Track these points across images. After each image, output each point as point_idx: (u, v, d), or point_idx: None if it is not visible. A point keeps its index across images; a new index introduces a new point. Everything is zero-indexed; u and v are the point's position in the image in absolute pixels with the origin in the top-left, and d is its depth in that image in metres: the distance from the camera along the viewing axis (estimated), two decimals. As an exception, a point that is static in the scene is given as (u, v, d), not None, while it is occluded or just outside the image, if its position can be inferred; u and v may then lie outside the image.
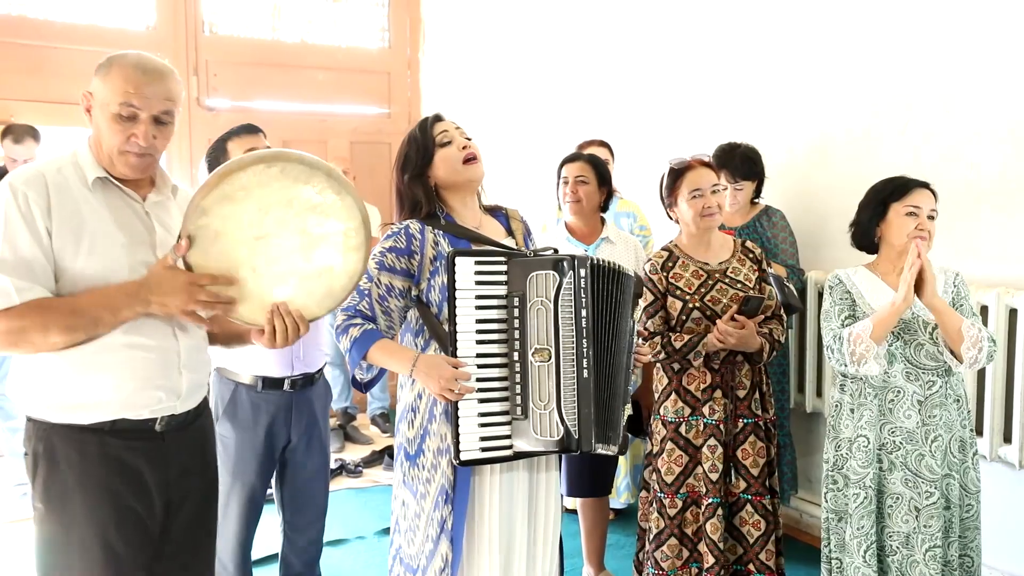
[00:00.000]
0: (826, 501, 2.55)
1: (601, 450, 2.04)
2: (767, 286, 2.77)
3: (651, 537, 2.77)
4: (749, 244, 2.82)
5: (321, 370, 2.67)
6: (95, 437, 1.77)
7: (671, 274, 2.75)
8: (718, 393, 2.71)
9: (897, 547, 2.43)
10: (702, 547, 2.70)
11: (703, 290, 2.71)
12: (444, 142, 2.11)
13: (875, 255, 2.57)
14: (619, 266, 2.09)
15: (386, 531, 3.77)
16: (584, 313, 1.98)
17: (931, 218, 2.44)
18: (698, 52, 4.18)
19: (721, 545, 2.68)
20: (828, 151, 3.56)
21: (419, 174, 2.12)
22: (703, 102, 4.16)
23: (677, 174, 2.76)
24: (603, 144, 3.81)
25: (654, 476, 2.77)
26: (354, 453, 4.81)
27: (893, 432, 2.43)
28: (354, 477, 4.46)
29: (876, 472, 2.45)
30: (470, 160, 2.10)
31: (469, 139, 2.15)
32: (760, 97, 3.84)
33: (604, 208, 3.19)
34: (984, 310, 2.92)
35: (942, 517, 2.40)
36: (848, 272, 2.56)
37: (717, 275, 2.73)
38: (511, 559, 2.13)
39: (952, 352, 2.35)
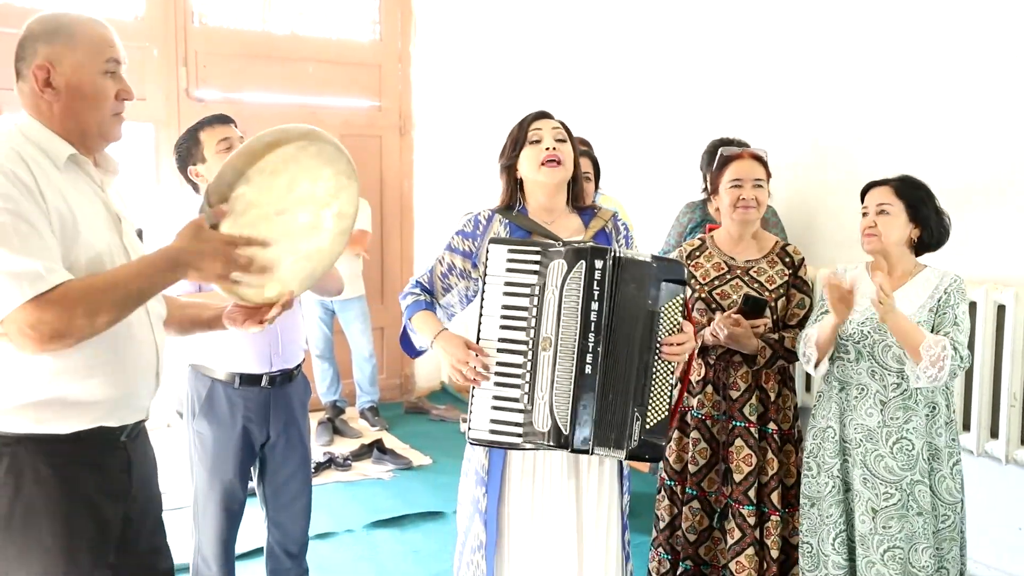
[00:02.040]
0: (804, 486, 2.57)
1: (601, 452, 1.99)
2: (798, 294, 2.68)
3: (663, 524, 2.79)
4: (790, 248, 2.73)
5: (300, 366, 2.63)
6: (66, 447, 1.60)
7: (693, 263, 2.75)
8: (709, 388, 2.70)
9: (857, 545, 2.43)
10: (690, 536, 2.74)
11: (716, 283, 2.69)
12: (533, 140, 2.17)
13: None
14: (642, 257, 2.01)
15: (374, 524, 3.77)
16: (595, 306, 1.96)
17: (882, 213, 2.41)
18: (691, 50, 4.17)
19: (691, 538, 2.70)
20: (819, 149, 3.57)
21: (509, 165, 2.22)
22: (694, 101, 4.16)
23: (724, 162, 2.72)
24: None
25: (663, 464, 2.78)
26: (343, 447, 4.79)
27: (857, 429, 2.44)
28: (343, 471, 4.45)
29: (842, 464, 2.47)
30: (549, 163, 2.14)
31: (562, 140, 2.18)
32: (752, 95, 3.84)
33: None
34: (972, 306, 2.93)
35: (906, 520, 2.37)
36: (848, 268, 2.56)
37: (738, 271, 2.69)
38: (555, 555, 2.11)
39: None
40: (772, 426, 2.66)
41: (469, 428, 2.03)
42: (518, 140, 2.20)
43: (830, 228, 3.51)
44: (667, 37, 4.31)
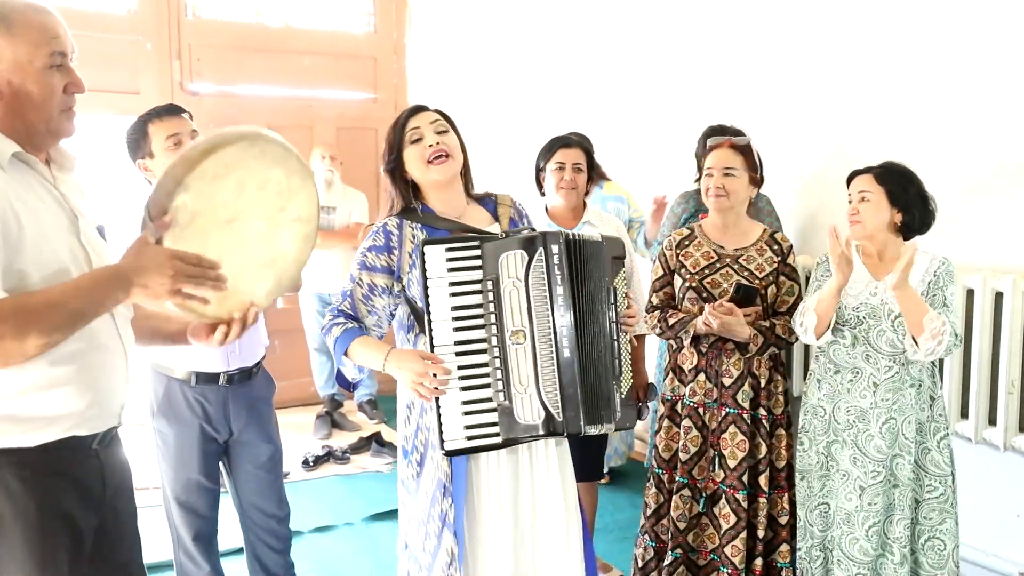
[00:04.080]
0: (797, 460, 2.66)
1: (593, 430, 2.01)
2: (787, 281, 2.71)
3: (649, 512, 2.80)
4: (779, 236, 2.78)
5: (260, 363, 2.60)
6: (37, 458, 1.54)
7: (683, 252, 2.76)
8: (701, 376, 2.72)
9: (840, 523, 2.52)
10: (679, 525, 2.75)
11: (706, 271, 2.71)
12: (414, 139, 2.08)
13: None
14: (594, 237, 2.04)
15: (373, 517, 3.77)
16: (560, 291, 1.96)
17: (863, 200, 2.49)
18: (689, 41, 4.16)
19: (681, 526, 2.71)
20: (817, 140, 3.56)
21: (393, 169, 2.13)
22: (692, 92, 4.14)
23: (708, 150, 2.77)
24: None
25: (653, 452, 2.81)
26: (341, 440, 4.80)
27: (849, 411, 2.52)
28: (341, 464, 4.45)
29: (828, 443, 2.56)
30: (435, 160, 2.06)
31: (443, 132, 2.09)
32: (751, 87, 3.83)
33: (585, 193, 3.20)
34: (970, 294, 2.93)
35: (886, 495, 2.48)
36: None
37: (728, 259, 2.72)
38: (519, 545, 2.09)
39: (915, 340, 2.38)
40: (762, 411, 2.71)
41: (443, 441, 1.96)
42: (397, 143, 2.10)
43: (828, 219, 3.50)
44: (665, 27, 4.29)
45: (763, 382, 2.71)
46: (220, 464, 2.61)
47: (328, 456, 4.49)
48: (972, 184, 3.00)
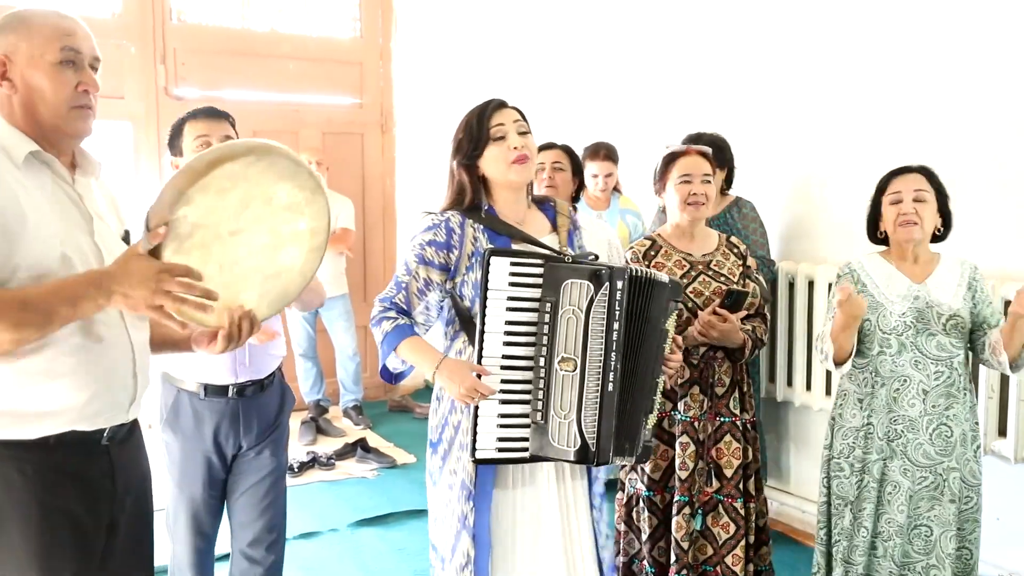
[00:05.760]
0: (825, 488, 2.57)
1: (618, 461, 2.06)
2: (751, 282, 2.72)
3: (645, 537, 2.72)
4: (734, 239, 2.79)
5: (273, 375, 2.52)
6: (38, 453, 1.54)
7: (652, 263, 2.68)
8: (695, 389, 2.66)
9: (892, 534, 2.45)
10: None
11: (685, 281, 2.65)
12: (497, 136, 2.04)
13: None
14: (660, 278, 2.05)
15: (359, 523, 3.76)
16: (616, 327, 1.96)
17: (919, 200, 2.40)
18: (675, 44, 4.18)
19: (685, 545, 2.65)
20: (801, 145, 3.59)
21: (468, 163, 2.08)
22: (678, 97, 4.16)
23: (670, 159, 2.72)
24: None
25: (636, 475, 2.72)
26: (326, 446, 4.78)
27: (896, 421, 2.43)
28: (326, 470, 4.44)
29: (878, 460, 2.47)
30: (518, 161, 2.04)
31: (525, 133, 2.07)
32: (737, 92, 3.85)
33: (575, 199, 3.18)
34: (1006, 305, 2.89)
35: (938, 504, 2.43)
36: (862, 260, 2.53)
37: (700, 267, 2.68)
38: (543, 570, 2.09)
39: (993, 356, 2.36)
40: (746, 416, 2.71)
41: (474, 448, 1.99)
42: (479, 138, 2.05)
43: (812, 225, 3.53)
44: (651, 31, 4.31)
45: (745, 388, 2.72)
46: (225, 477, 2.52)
47: (313, 462, 4.47)
48: (957, 187, 3.02)
